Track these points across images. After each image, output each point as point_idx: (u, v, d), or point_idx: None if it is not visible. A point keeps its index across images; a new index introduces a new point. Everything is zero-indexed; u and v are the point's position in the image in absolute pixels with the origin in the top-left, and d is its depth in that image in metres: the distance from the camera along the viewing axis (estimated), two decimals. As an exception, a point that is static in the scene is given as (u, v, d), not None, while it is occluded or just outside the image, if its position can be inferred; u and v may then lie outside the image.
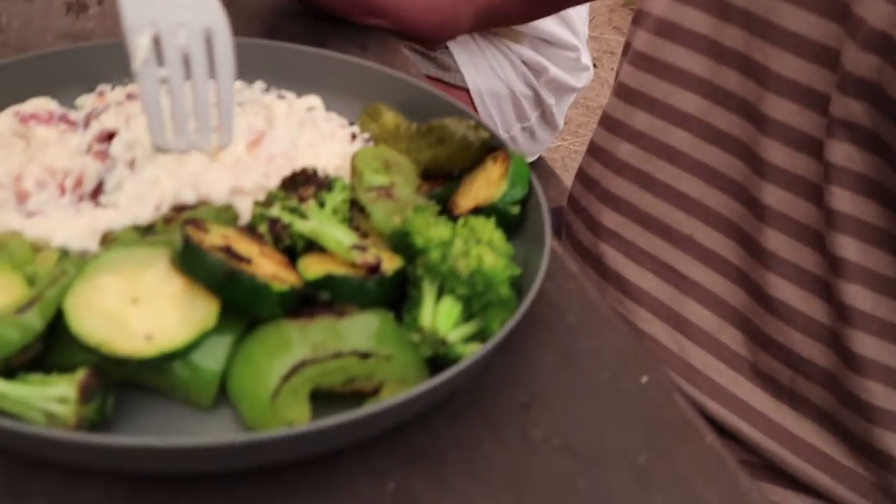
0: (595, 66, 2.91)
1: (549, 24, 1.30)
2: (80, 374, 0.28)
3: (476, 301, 0.32)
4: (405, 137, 0.45)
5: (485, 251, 0.33)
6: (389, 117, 0.47)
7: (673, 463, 0.33)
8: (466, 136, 0.43)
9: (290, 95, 0.50)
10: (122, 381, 0.31)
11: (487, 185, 0.42)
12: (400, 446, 0.32)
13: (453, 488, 0.31)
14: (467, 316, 0.34)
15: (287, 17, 0.70)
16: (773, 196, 0.53)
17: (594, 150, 0.67)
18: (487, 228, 0.36)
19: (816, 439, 0.57)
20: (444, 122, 0.44)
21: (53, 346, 0.30)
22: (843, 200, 0.49)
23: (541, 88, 1.34)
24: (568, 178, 1.03)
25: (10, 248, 0.33)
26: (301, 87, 0.52)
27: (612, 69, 2.95)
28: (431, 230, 0.36)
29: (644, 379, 0.38)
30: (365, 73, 0.52)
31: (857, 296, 0.50)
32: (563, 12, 1.31)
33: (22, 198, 0.36)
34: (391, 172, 0.42)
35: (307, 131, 0.46)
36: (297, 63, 0.53)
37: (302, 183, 0.37)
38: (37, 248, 0.34)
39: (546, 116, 1.38)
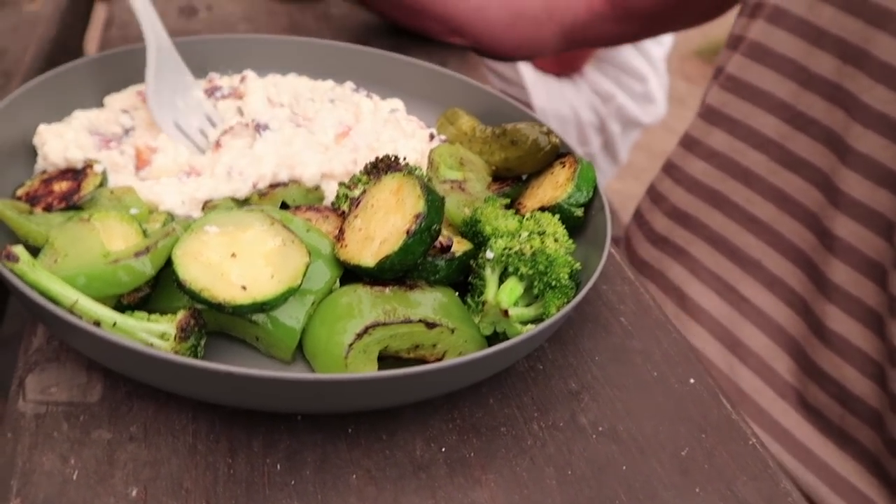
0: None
1: (623, 50, 1.32)
2: (181, 315, 0.31)
3: (537, 282, 0.35)
4: (479, 140, 0.48)
5: (548, 237, 0.36)
6: (466, 121, 0.50)
7: (714, 459, 0.35)
8: (538, 140, 0.45)
9: (375, 97, 0.54)
10: (215, 330, 0.34)
11: (554, 187, 0.44)
12: (455, 418, 0.34)
13: (500, 458, 0.33)
14: (528, 302, 0.36)
15: (376, 33, 0.74)
16: (846, 228, 0.53)
17: (668, 167, 0.68)
18: (552, 222, 0.39)
19: (858, 479, 0.56)
20: (517, 125, 0.46)
21: (159, 293, 0.34)
22: None
23: (607, 117, 1.34)
24: (626, 219, 1.03)
25: (125, 201, 0.37)
26: (386, 90, 0.56)
27: (681, 117, 2.91)
28: (499, 221, 0.38)
29: (692, 380, 0.39)
30: (445, 81, 0.55)
31: None
32: (640, 44, 1.32)
33: (142, 165, 0.41)
34: (465, 169, 0.45)
35: (389, 128, 0.50)
36: (384, 67, 0.57)
37: (384, 169, 0.41)
38: (149, 211, 0.39)
39: (609, 147, 1.38)
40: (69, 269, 0.31)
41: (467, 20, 0.72)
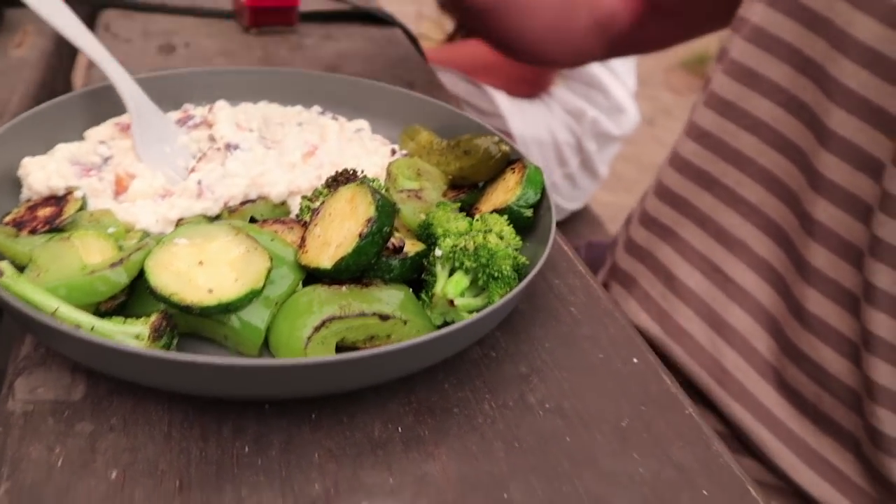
0: (649, 123, 2.93)
1: (587, 65, 1.36)
2: (153, 317, 0.35)
3: (481, 274, 0.38)
4: (437, 152, 0.52)
5: (492, 235, 0.39)
6: (424, 136, 0.54)
7: (652, 428, 0.37)
8: (489, 148, 0.49)
9: (342, 119, 0.58)
10: (187, 332, 0.38)
11: (505, 191, 0.48)
12: (412, 401, 0.37)
13: (453, 436, 0.36)
14: (475, 294, 0.39)
15: (347, 61, 0.78)
16: (826, 212, 0.54)
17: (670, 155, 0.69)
18: (499, 222, 0.42)
19: (832, 455, 0.58)
20: (470, 136, 0.50)
21: (134, 300, 0.37)
22: (889, 229, 0.49)
23: (583, 135, 1.38)
24: (615, 229, 1.05)
25: (103, 222, 0.40)
26: (352, 112, 0.60)
27: (668, 128, 2.96)
28: (450, 223, 0.42)
29: (635, 360, 0.42)
30: (407, 100, 0.59)
31: (882, 324, 0.51)
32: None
33: (120, 191, 0.44)
34: (421, 179, 0.49)
35: (354, 147, 0.53)
36: (349, 91, 0.61)
37: (343, 181, 0.44)
38: (125, 230, 0.42)
39: (587, 164, 1.42)
40: (51, 281, 0.34)
41: (522, 38, 0.76)
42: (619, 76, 1.38)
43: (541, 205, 0.47)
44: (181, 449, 0.33)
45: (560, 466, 0.35)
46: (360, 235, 0.37)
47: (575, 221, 1.49)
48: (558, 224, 0.53)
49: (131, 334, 0.34)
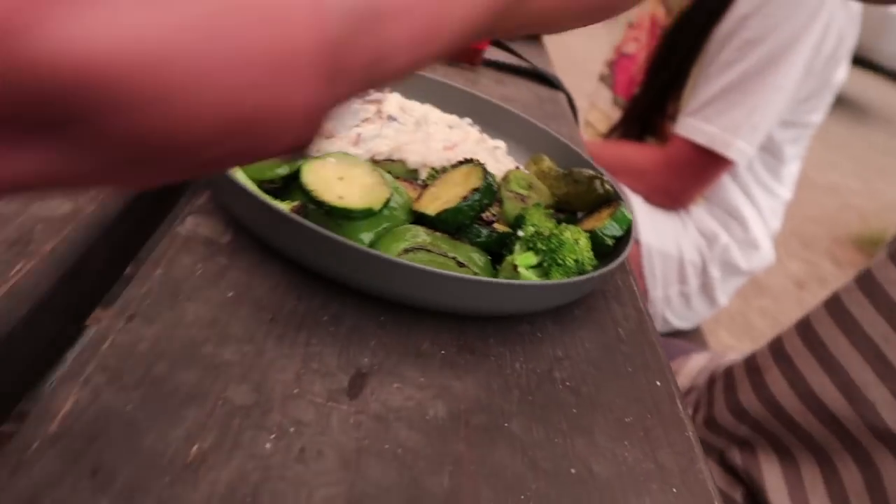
0: (799, 286, 2.83)
1: (730, 193, 1.36)
2: (295, 203, 0.45)
3: (547, 258, 0.46)
4: (551, 176, 0.60)
5: (568, 231, 0.47)
6: (546, 163, 0.62)
7: (650, 432, 0.43)
8: (595, 183, 0.57)
9: (485, 135, 0.68)
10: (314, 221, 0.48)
11: (596, 220, 0.55)
12: (460, 339, 0.45)
13: (482, 372, 0.43)
14: (538, 275, 0.47)
15: (509, 102, 0.90)
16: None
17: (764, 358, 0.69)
18: (581, 232, 0.49)
19: None
20: (581, 170, 0.58)
21: (284, 190, 0.49)
22: None
23: (710, 260, 1.38)
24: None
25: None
26: (494, 133, 0.70)
27: (817, 296, 2.83)
28: (541, 220, 0.50)
29: (658, 383, 0.47)
30: (544, 135, 0.68)
31: None
32: (748, 186, 1.36)
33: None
34: (530, 190, 0.57)
35: (486, 155, 0.63)
36: (497, 115, 0.71)
37: (465, 164, 0.54)
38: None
39: (707, 288, 1.41)
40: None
41: None
42: (762, 212, 1.39)
43: (624, 239, 0.54)
44: (281, 298, 0.42)
45: (560, 424, 0.41)
46: (463, 198, 0.46)
47: (679, 336, 1.47)
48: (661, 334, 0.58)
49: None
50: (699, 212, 1.40)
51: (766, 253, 1.42)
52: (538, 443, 0.39)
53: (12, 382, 0.36)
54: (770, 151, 1.34)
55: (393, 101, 0.63)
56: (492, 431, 0.39)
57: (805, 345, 0.64)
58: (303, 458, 0.34)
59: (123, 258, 0.44)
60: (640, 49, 1.53)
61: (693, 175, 1.31)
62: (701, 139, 1.24)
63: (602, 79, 1.67)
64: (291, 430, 0.35)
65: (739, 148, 1.23)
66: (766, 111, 1.21)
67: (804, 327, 0.65)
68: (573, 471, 0.38)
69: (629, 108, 1.50)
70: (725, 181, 1.35)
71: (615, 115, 1.58)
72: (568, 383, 0.45)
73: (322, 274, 0.44)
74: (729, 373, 0.74)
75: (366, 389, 0.39)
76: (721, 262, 1.38)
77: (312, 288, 0.44)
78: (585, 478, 0.38)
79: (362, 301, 0.45)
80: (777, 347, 0.68)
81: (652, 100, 1.42)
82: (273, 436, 0.34)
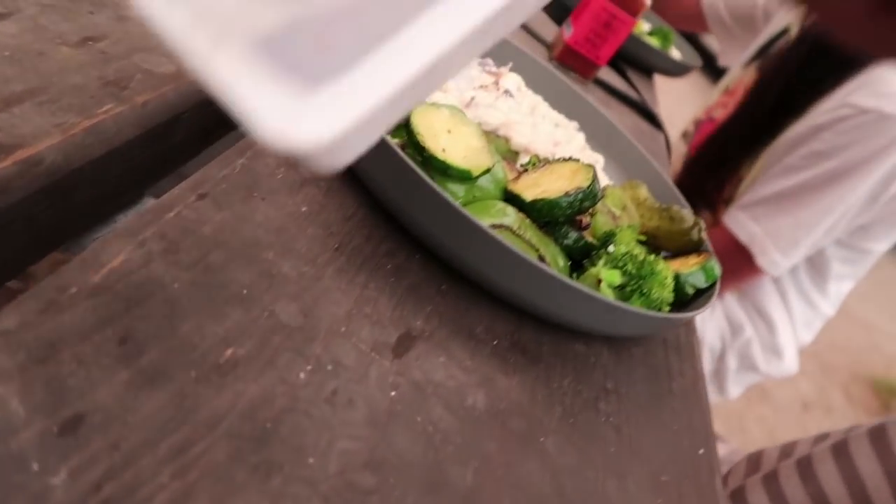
0: (804, 408, 2.74)
1: (765, 291, 1.31)
2: (396, 140, 0.42)
3: (633, 282, 0.42)
4: (646, 206, 0.57)
5: (661, 264, 0.43)
6: (643, 191, 0.59)
7: (683, 500, 0.39)
8: (691, 227, 0.53)
9: (588, 147, 0.65)
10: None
11: (682, 265, 0.52)
12: (515, 338, 0.42)
13: (529, 378, 0.40)
14: (616, 297, 0.44)
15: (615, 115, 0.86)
16: None
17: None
18: (671, 273, 0.46)
19: None
20: (682, 210, 0.55)
21: (398, 127, 0.46)
22: None
23: (729, 349, 1.33)
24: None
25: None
26: (596, 146, 0.67)
27: (818, 425, 2.73)
28: (631, 243, 0.47)
29: (701, 451, 0.44)
30: (645, 162, 0.65)
31: None
32: (786, 291, 1.30)
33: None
34: (623, 211, 0.54)
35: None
36: (603, 129, 0.68)
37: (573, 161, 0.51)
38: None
39: (719, 376, 1.36)
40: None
41: None
42: (794, 321, 1.33)
43: (703, 292, 0.51)
44: (351, 231, 0.40)
45: (595, 459, 0.38)
46: (566, 193, 0.43)
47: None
48: None
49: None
50: (731, 300, 1.35)
51: (789, 363, 1.36)
52: (569, 469, 0.36)
53: (67, 220, 0.33)
54: (815, 264, 1.28)
55: (512, 77, 0.60)
56: (526, 441, 0.36)
57: (801, 480, 0.64)
58: (333, 401, 0.31)
59: (206, 137, 0.42)
60: (726, 116, 1.48)
61: (727, 268, 1.28)
62: (743, 236, 1.19)
63: (684, 136, 1.62)
64: (329, 367, 0.32)
65: (773, 259, 1.17)
66: (811, 230, 1.15)
67: (804, 465, 0.65)
68: (600, 511, 0.35)
69: (688, 163, 1.45)
70: (764, 278, 1.30)
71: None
72: (612, 419, 0.41)
73: (399, 216, 0.41)
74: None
75: (411, 352, 0.36)
76: (740, 355, 1.33)
77: (383, 231, 0.42)
78: (610, 523, 0.35)
79: (427, 262, 0.42)
80: (768, 474, 0.67)
81: (705, 167, 1.37)
82: (309, 367, 0.31)
